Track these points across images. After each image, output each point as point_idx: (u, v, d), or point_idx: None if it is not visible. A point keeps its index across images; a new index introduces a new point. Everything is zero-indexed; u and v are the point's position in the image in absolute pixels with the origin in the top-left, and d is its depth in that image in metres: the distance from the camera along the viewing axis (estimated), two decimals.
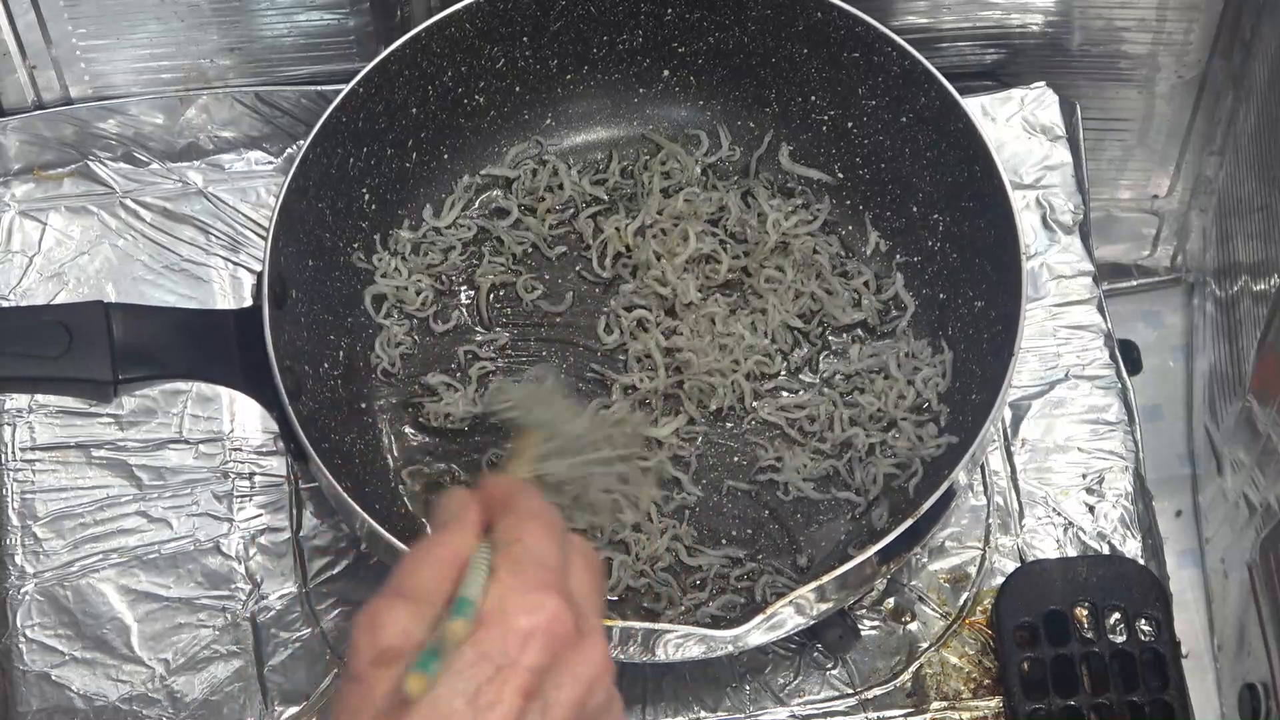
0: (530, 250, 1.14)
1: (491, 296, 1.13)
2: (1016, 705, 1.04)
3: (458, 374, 1.11)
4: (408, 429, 1.10)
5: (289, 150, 1.22)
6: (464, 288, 1.13)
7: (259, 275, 1.01)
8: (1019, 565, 1.10)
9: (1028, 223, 1.19)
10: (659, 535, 1.05)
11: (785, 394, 1.10)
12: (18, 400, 1.12)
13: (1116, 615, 1.06)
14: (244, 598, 1.08)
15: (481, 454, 1.08)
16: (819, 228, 1.15)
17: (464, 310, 1.13)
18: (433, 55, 1.10)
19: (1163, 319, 1.38)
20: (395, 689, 0.67)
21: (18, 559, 1.09)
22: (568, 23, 1.13)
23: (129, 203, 1.20)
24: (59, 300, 1.16)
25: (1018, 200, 1.04)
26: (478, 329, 1.13)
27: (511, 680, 0.68)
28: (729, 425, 1.10)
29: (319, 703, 1.06)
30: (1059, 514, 1.11)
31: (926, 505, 0.96)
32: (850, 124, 1.14)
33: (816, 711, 1.06)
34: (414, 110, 1.12)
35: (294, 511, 1.11)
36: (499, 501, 0.74)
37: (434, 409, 1.09)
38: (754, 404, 1.09)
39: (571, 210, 1.16)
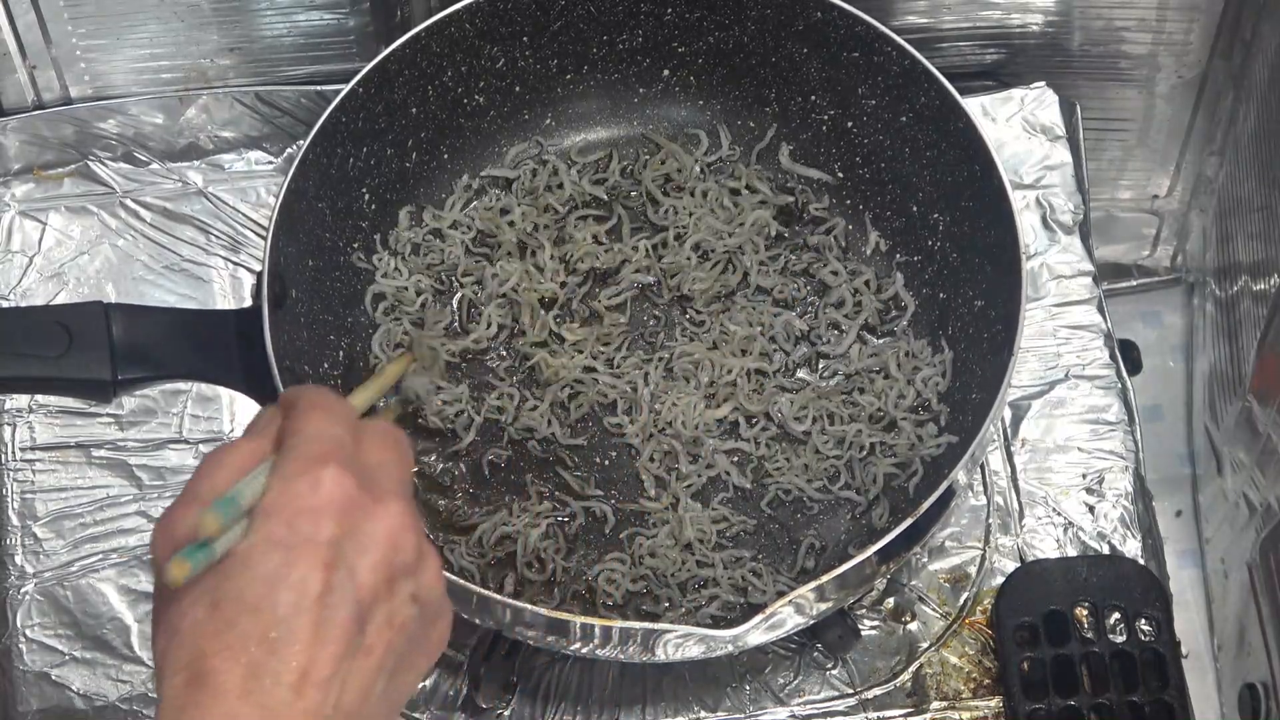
0: (529, 250, 1.14)
1: (491, 295, 1.13)
2: (1016, 705, 1.04)
3: (456, 373, 1.11)
4: (407, 429, 1.10)
5: (289, 150, 1.22)
6: (463, 288, 1.13)
7: (259, 275, 1.01)
8: (1019, 565, 1.10)
9: (1028, 223, 1.19)
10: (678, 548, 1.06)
11: (785, 393, 1.10)
12: (18, 400, 1.12)
13: (1116, 615, 1.06)
14: None
15: (481, 454, 1.08)
16: (819, 228, 1.15)
17: (463, 310, 1.13)
18: (433, 55, 1.10)
19: (1163, 319, 1.38)
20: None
21: (18, 559, 1.09)
22: (568, 23, 1.13)
23: (129, 203, 1.20)
24: (59, 300, 1.16)
25: (1018, 200, 1.04)
26: (475, 328, 1.12)
27: (308, 556, 0.68)
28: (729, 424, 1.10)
29: None
30: (1059, 514, 1.11)
31: (926, 505, 0.96)
32: (850, 124, 1.14)
33: (816, 711, 1.06)
34: (414, 110, 1.12)
35: None
36: (289, 406, 0.74)
37: (434, 404, 1.09)
38: (753, 405, 1.09)
39: (570, 207, 1.16)
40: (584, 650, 0.97)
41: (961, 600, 1.09)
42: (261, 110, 1.21)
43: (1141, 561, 1.10)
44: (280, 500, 0.69)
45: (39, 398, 1.13)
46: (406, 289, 1.12)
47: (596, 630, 0.94)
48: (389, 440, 0.75)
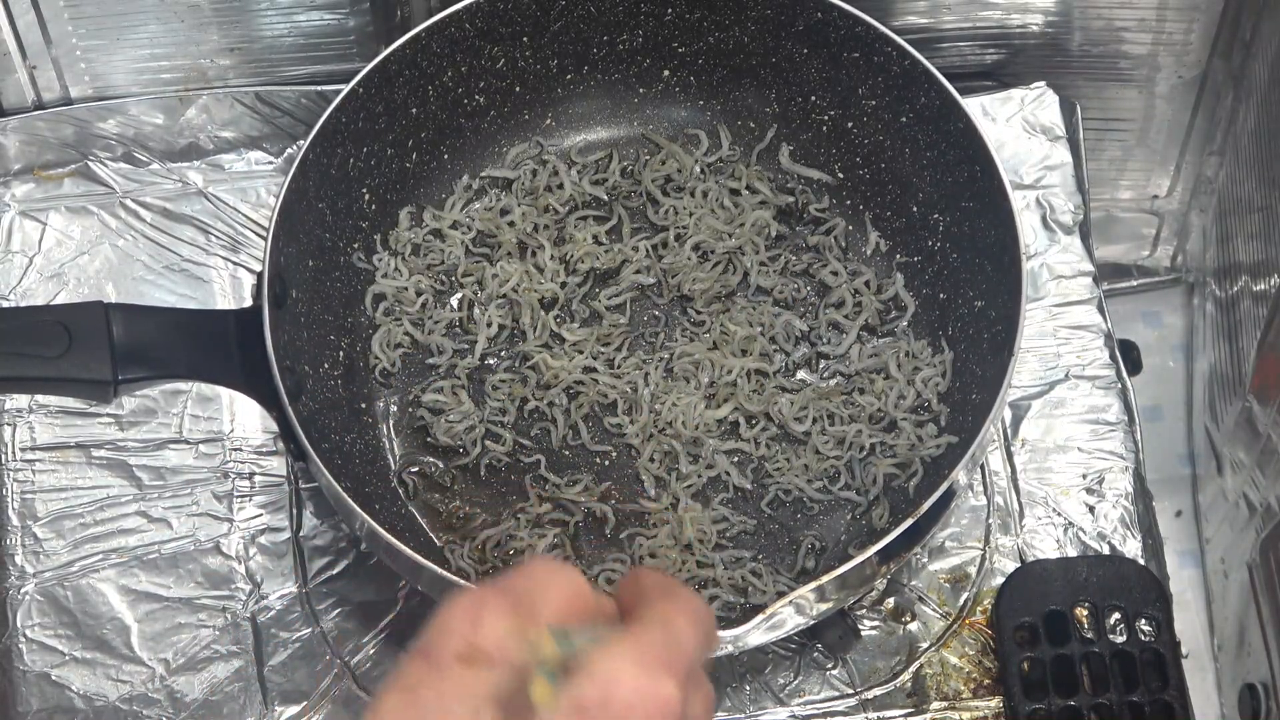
0: (529, 250, 1.14)
1: (491, 295, 1.13)
2: (1016, 705, 1.04)
3: (454, 372, 1.11)
4: (408, 429, 1.10)
5: (289, 150, 1.22)
6: (463, 288, 1.13)
7: (259, 275, 1.01)
8: (1019, 565, 1.10)
9: (1028, 223, 1.19)
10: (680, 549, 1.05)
11: (785, 393, 1.10)
12: (18, 400, 1.12)
13: (1116, 615, 1.06)
14: (244, 598, 1.08)
15: (481, 455, 1.08)
16: (819, 228, 1.15)
17: (464, 310, 1.13)
18: (433, 55, 1.10)
19: (1163, 319, 1.38)
20: (476, 693, 0.65)
21: (18, 559, 1.09)
22: (568, 23, 1.13)
23: (129, 203, 1.20)
24: (59, 300, 1.16)
25: (1018, 200, 1.04)
26: (475, 328, 1.12)
27: None
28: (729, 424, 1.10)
29: (319, 702, 1.06)
30: (1059, 514, 1.11)
31: (926, 505, 0.96)
32: (850, 124, 1.14)
33: (816, 711, 1.06)
34: (414, 110, 1.12)
35: (294, 511, 1.11)
36: (653, 589, 0.72)
37: (433, 398, 1.09)
38: (753, 405, 1.09)
39: (570, 207, 1.16)
40: None
41: (961, 600, 1.09)
42: (261, 110, 1.21)
43: (1141, 561, 1.10)
44: (613, 674, 0.66)
45: (39, 398, 1.13)
46: (406, 289, 1.12)
47: None
48: (710, 701, 0.72)
